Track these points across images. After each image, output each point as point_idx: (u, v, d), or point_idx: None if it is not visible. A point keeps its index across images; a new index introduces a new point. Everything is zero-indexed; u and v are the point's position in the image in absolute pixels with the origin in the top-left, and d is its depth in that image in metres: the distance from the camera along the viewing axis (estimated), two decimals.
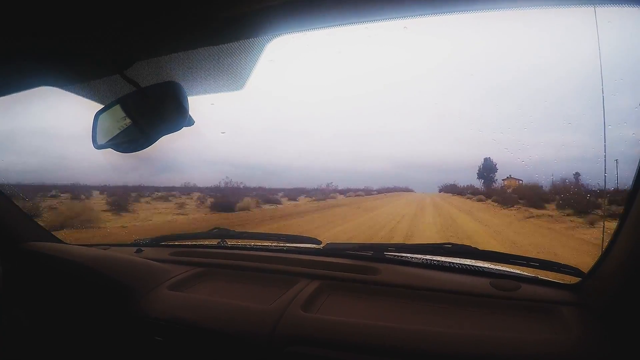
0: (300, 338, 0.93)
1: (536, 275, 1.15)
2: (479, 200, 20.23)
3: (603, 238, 1.24)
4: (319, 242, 1.46)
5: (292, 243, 1.53)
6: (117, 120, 0.84)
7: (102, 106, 0.85)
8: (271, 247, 1.51)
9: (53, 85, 0.80)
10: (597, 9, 0.77)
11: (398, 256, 1.30)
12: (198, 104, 0.83)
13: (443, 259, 1.28)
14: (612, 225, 0.93)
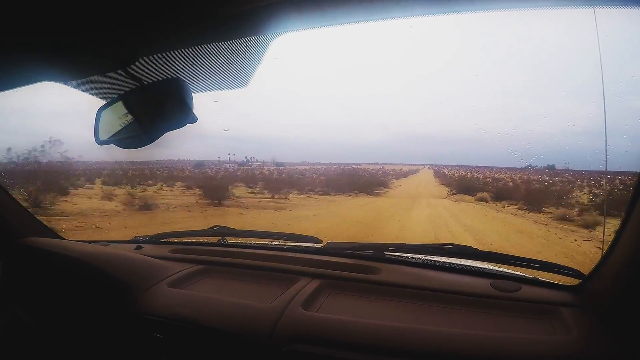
0: (300, 336, 0.93)
1: (536, 277, 1.16)
2: None
3: (604, 240, 1.24)
4: (319, 241, 1.46)
5: (292, 242, 1.53)
6: (120, 116, 0.83)
7: (105, 102, 0.85)
8: (271, 246, 1.51)
9: (57, 81, 0.80)
10: (596, 9, 0.77)
11: (398, 256, 1.30)
12: (201, 100, 0.83)
13: (444, 259, 1.28)
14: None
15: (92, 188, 12.74)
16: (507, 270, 1.21)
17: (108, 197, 11.33)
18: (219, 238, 1.59)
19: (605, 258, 0.93)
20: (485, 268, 1.22)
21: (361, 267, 1.26)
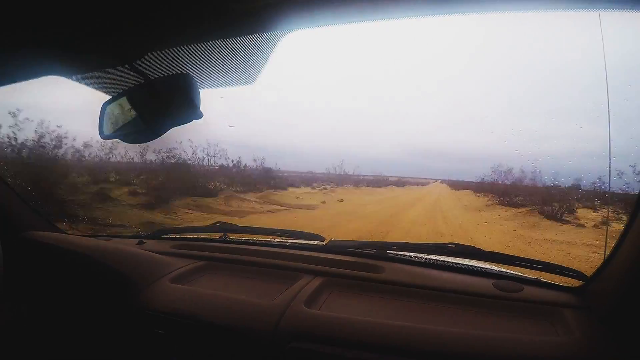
0: (303, 334, 0.93)
1: (539, 278, 1.16)
2: None
3: (606, 242, 1.24)
4: (322, 239, 1.46)
5: (295, 239, 1.53)
6: (125, 111, 0.83)
7: (110, 97, 0.85)
8: (274, 243, 1.51)
9: (62, 75, 0.79)
10: (600, 13, 0.77)
11: (401, 255, 1.30)
12: (207, 96, 0.82)
13: (446, 258, 1.28)
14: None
15: None
16: (509, 271, 1.21)
17: None
18: (221, 234, 1.59)
19: (608, 260, 0.93)
20: (488, 268, 1.22)
21: (364, 265, 1.26)
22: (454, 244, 1.26)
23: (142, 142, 0.84)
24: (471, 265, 1.23)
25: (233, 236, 1.58)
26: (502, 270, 1.21)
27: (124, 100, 0.82)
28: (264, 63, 0.78)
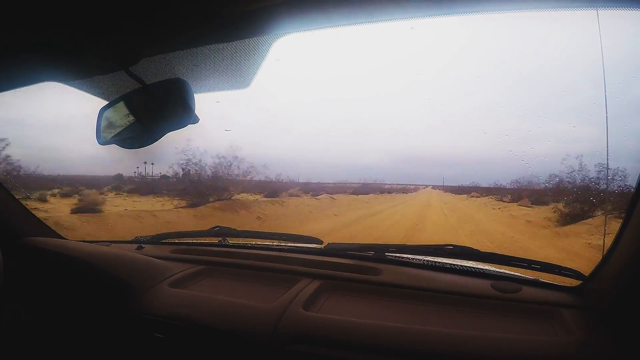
0: (301, 336, 0.93)
1: (537, 278, 1.16)
2: None
3: (604, 241, 1.24)
4: (320, 242, 1.46)
5: (293, 242, 1.53)
6: (122, 116, 0.84)
7: (107, 102, 0.85)
8: (272, 246, 1.51)
9: (58, 81, 0.80)
10: (599, 11, 0.77)
11: (399, 257, 1.30)
12: (203, 101, 0.83)
13: (444, 260, 1.28)
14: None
15: None
16: (507, 272, 1.21)
17: None
18: (220, 238, 1.60)
19: (605, 259, 0.93)
20: (486, 269, 1.22)
21: (362, 267, 1.26)
22: (451, 245, 1.26)
23: (139, 147, 0.85)
24: (469, 267, 1.23)
25: (232, 240, 1.59)
26: (501, 271, 1.21)
27: (120, 105, 0.83)
28: (258, 67, 0.79)
